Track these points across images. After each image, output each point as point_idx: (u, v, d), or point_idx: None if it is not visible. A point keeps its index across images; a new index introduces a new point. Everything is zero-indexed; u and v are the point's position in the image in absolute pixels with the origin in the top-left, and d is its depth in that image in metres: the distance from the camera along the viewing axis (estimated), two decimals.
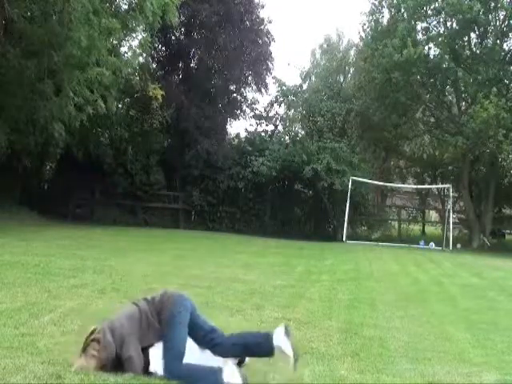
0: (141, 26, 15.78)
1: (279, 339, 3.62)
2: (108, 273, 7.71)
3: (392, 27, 19.43)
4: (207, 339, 3.74)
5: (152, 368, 3.59)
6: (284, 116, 23.13)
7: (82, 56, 13.33)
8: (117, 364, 3.57)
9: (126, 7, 15.89)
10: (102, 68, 14.19)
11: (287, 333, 3.65)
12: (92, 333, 3.60)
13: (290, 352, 3.58)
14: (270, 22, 21.60)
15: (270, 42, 21.91)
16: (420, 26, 19.90)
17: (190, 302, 3.79)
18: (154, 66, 21.71)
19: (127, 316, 3.71)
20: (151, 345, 3.66)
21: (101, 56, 13.82)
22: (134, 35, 17.46)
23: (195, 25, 20.93)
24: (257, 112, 22.85)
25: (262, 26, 21.61)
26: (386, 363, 4.42)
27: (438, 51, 19.76)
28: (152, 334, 3.66)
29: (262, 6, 21.63)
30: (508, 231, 23.75)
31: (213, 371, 3.52)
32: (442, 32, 19.76)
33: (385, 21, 20.53)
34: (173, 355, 3.54)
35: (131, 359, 3.55)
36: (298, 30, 62.19)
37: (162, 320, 3.65)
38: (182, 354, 3.56)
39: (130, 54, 17.15)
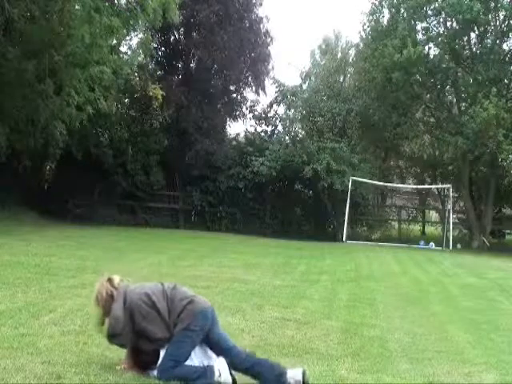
0: (141, 24, 15.70)
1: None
2: (108, 273, 7.69)
3: (392, 27, 19.42)
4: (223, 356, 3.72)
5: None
6: (284, 116, 23.10)
7: (83, 54, 13.30)
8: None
9: (127, 4, 15.82)
10: (102, 66, 14.16)
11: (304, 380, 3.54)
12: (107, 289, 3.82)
13: None
14: (268, 21, 21.63)
15: (269, 43, 21.89)
16: (420, 26, 19.89)
17: (209, 320, 3.73)
18: (154, 66, 21.69)
19: (149, 294, 3.86)
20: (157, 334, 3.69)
21: (102, 54, 13.78)
22: (134, 34, 17.46)
23: (194, 25, 20.90)
24: (256, 112, 22.85)
25: (261, 25, 21.60)
26: (386, 363, 4.43)
27: (438, 51, 19.77)
28: (161, 325, 3.70)
29: (261, 4, 21.61)
30: (508, 231, 23.72)
31: (204, 371, 3.58)
32: (441, 32, 19.76)
33: (385, 21, 20.51)
34: (171, 360, 3.60)
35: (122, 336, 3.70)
36: (298, 30, 62.11)
37: (178, 327, 3.66)
38: (179, 363, 3.60)
39: (129, 53, 17.13)
